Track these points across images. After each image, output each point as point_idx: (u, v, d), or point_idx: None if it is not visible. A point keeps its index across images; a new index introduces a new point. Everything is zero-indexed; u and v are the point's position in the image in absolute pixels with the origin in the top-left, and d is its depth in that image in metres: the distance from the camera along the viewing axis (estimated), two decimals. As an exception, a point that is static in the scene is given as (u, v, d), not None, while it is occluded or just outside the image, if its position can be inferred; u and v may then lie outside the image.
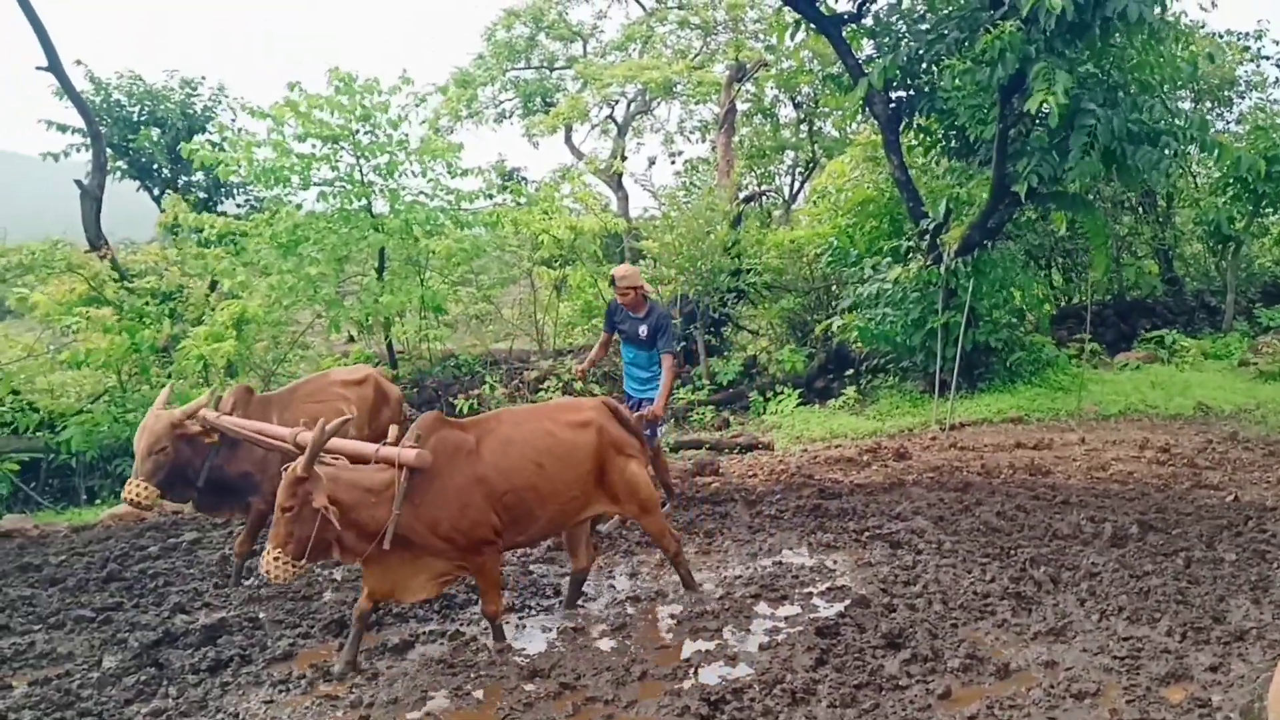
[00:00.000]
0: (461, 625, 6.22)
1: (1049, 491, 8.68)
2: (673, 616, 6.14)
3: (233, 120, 19.03)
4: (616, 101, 26.42)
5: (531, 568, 7.35)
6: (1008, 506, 8.16)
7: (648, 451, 6.60)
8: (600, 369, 13.82)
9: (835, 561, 7.15)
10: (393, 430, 5.61)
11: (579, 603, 6.48)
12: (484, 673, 5.39)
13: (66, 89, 14.33)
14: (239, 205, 19.48)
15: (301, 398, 7.37)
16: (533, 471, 5.73)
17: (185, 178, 19.08)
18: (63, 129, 17.46)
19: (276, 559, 5.04)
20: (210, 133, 17.96)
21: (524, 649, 5.76)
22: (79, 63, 16.46)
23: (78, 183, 14.26)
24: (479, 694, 5.17)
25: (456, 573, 5.67)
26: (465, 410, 13.17)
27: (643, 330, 8.11)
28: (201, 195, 18.70)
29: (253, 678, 5.54)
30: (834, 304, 15.71)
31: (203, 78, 19.38)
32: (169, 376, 11.29)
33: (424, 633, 6.09)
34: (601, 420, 6.12)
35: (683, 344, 15.91)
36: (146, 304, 11.90)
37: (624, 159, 25.44)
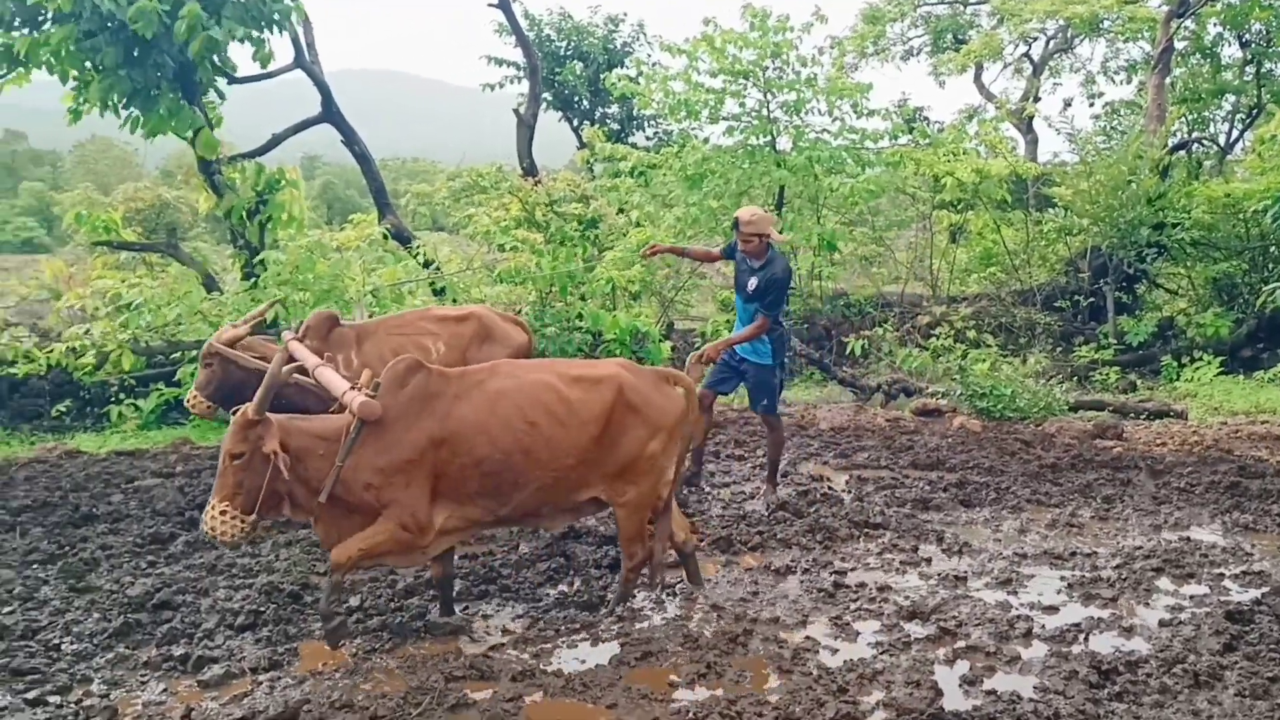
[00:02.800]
0: (845, 560, 6.31)
1: None
2: (1063, 579, 5.90)
3: (648, 56, 20.02)
4: (1035, 39, 25.05)
5: (916, 513, 7.33)
6: None
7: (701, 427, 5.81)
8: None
9: (1253, 545, 6.55)
10: (366, 373, 4.98)
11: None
12: (864, 607, 5.46)
13: (513, 25, 15.63)
14: (648, 138, 20.57)
15: (386, 330, 7.00)
16: (524, 431, 4.93)
17: (602, 109, 20.38)
18: (499, 63, 19.13)
19: (224, 513, 4.55)
20: (628, 67, 19.00)
21: (903, 589, 5.77)
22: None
23: (515, 112, 15.58)
24: (857, 625, 5.25)
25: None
26: (857, 351, 13.19)
27: (751, 283, 7.22)
28: (615, 127, 19.91)
29: (645, 579, 5.96)
30: (1272, 266, 14.12)
31: (624, 14, 20.54)
32: (581, 298, 12.13)
33: (806, 561, 6.25)
34: (624, 379, 5.19)
35: (1090, 299, 14.99)
36: (571, 229, 12.85)
37: (1037, 100, 24.09)
